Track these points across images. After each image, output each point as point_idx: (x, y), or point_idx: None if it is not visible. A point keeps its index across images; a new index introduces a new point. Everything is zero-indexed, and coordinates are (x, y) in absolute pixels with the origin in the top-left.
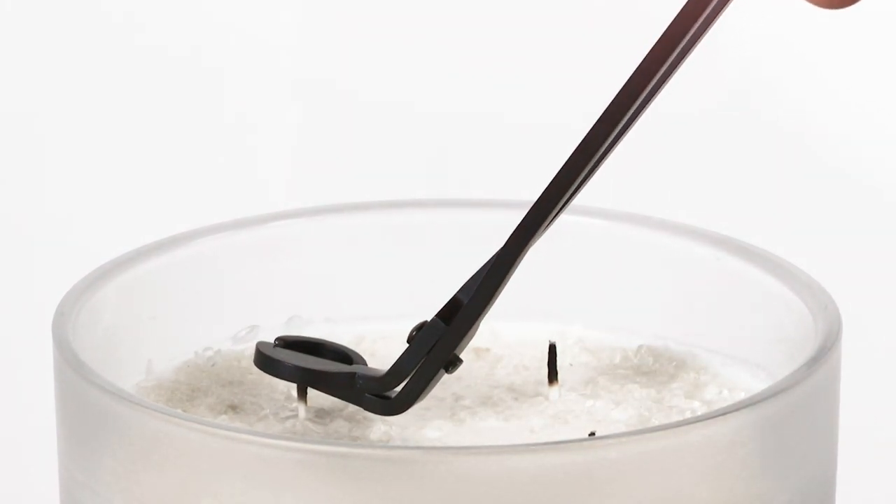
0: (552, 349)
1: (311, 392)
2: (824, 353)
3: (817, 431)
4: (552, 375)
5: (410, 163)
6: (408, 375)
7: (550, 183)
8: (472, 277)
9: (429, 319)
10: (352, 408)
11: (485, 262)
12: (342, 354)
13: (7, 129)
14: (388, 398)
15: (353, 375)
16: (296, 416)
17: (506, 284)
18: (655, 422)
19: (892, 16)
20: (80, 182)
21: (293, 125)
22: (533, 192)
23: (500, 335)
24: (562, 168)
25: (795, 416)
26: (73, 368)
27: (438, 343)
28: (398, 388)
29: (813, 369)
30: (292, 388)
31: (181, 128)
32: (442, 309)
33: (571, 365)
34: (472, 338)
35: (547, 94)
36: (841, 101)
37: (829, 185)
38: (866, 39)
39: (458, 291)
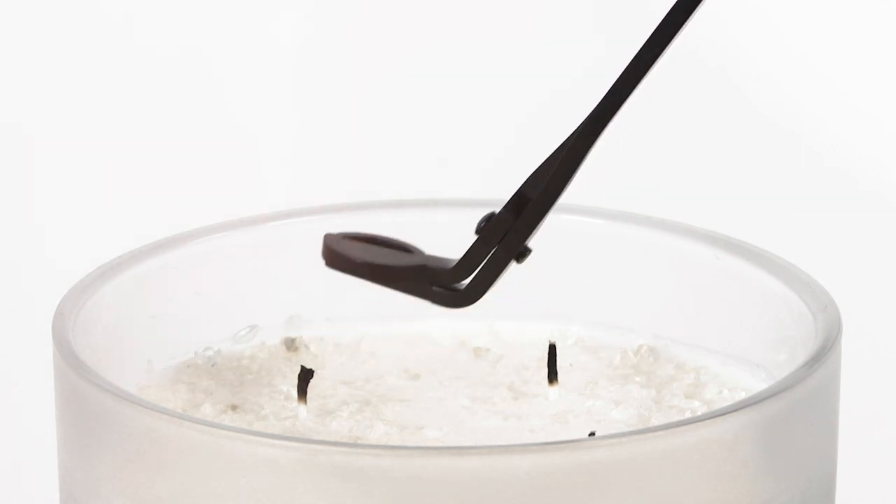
0: (552, 349)
1: (312, 392)
2: (824, 353)
3: (817, 431)
4: (552, 375)
5: (410, 163)
6: (477, 267)
7: (622, 74)
8: (537, 170)
9: (496, 211)
10: (352, 408)
11: (550, 154)
12: (405, 249)
13: (7, 129)
14: (457, 290)
15: (422, 268)
16: (296, 416)
17: (574, 177)
18: (655, 422)
19: (892, 15)
20: (80, 182)
21: (293, 125)
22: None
23: (500, 335)
24: (633, 59)
25: (795, 416)
26: (73, 368)
27: (509, 234)
28: (466, 281)
29: (813, 369)
30: (292, 388)
31: (181, 128)
32: (509, 202)
33: (571, 365)
34: (539, 228)
35: (546, 94)
36: (842, 100)
37: (829, 184)
38: (866, 38)
39: (522, 185)
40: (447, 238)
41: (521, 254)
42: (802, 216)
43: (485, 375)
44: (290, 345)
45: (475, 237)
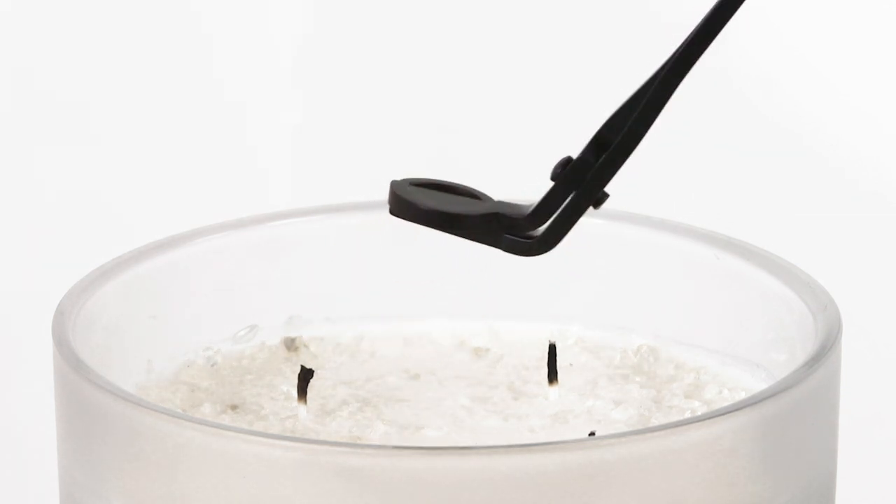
0: (552, 349)
1: (311, 392)
2: (824, 353)
3: (817, 431)
4: (552, 375)
5: (410, 162)
6: (553, 213)
7: (707, 18)
8: (615, 113)
9: (572, 156)
10: (352, 408)
11: (630, 95)
12: (474, 196)
13: (7, 130)
14: (531, 238)
15: (494, 216)
16: (296, 416)
17: (656, 120)
18: (655, 422)
19: (892, 15)
20: (79, 182)
21: (293, 125)
22: (532, 192)
23: (500, 335)
24: (717, 4)
25: (795, 416)
26: (73, 368)
27: (588, 179)
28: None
29: (813, 369)
30: (292, 388)
31: (181, 128)
32: (588, 145)
33: (571, 365)
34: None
35: (546, 94)
36: (842, 100)
37: (829, 184)
38: (866, 39)
39: (601, 128)
40: (447, 238)
41: (599, 199)
42: (802, 216)
43: (485, 375)
44: (290, 345)
45: (551, 183)
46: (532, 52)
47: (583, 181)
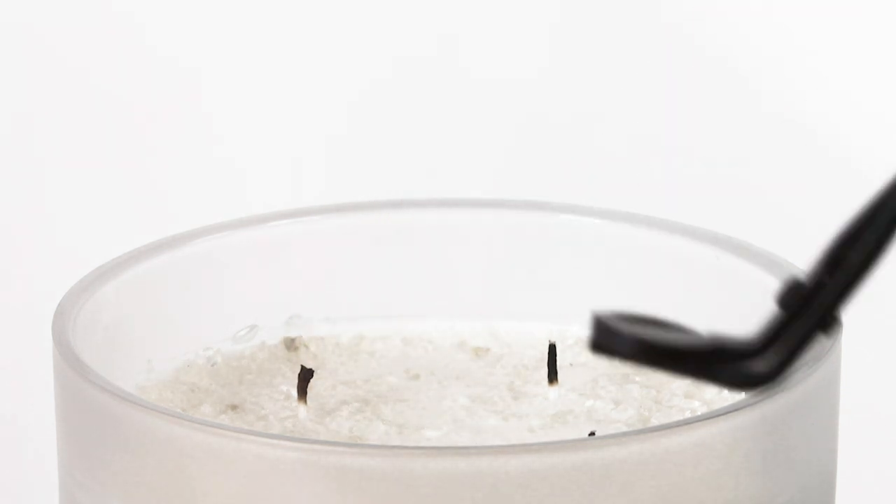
0: (552, 349)
1: (311, 392)
2: (824, 353)
3: (817, 431)
4: (552, 375)
5: (410, 163)
6: (779, 341)
7: None
8: (851, 227)
9: (799, 278)
10: (352, 408)
11: (865, 206)
12: (681, 330)
13: (6, 129)
14: (754, 370)
15: (718, 350)
16: (296, 416)
17: None
18: (655, 422)
19: (893, 15)
20: (80, 181)
21: (294, 125)
22: (533, 191)
23: (500, 335)
24: None
25: (795, 416)
26: (73, 368)
27: (825, 305)
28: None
29: (813, 369)
30: (292, 388)
31: (182, 127)
32: (819, 268)
33: (571, 365)
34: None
35: (547, 94)
36: (843, 99)
37: (830, 184)
38: (867, 38)
39: (834, 244)
40: (448, 238)
41: (830, 325)
42: (803, 216)
43: (485, 375)
44: (290, 345)
45: (778, 309)
46: (530, 54)
47: (815, 306)
